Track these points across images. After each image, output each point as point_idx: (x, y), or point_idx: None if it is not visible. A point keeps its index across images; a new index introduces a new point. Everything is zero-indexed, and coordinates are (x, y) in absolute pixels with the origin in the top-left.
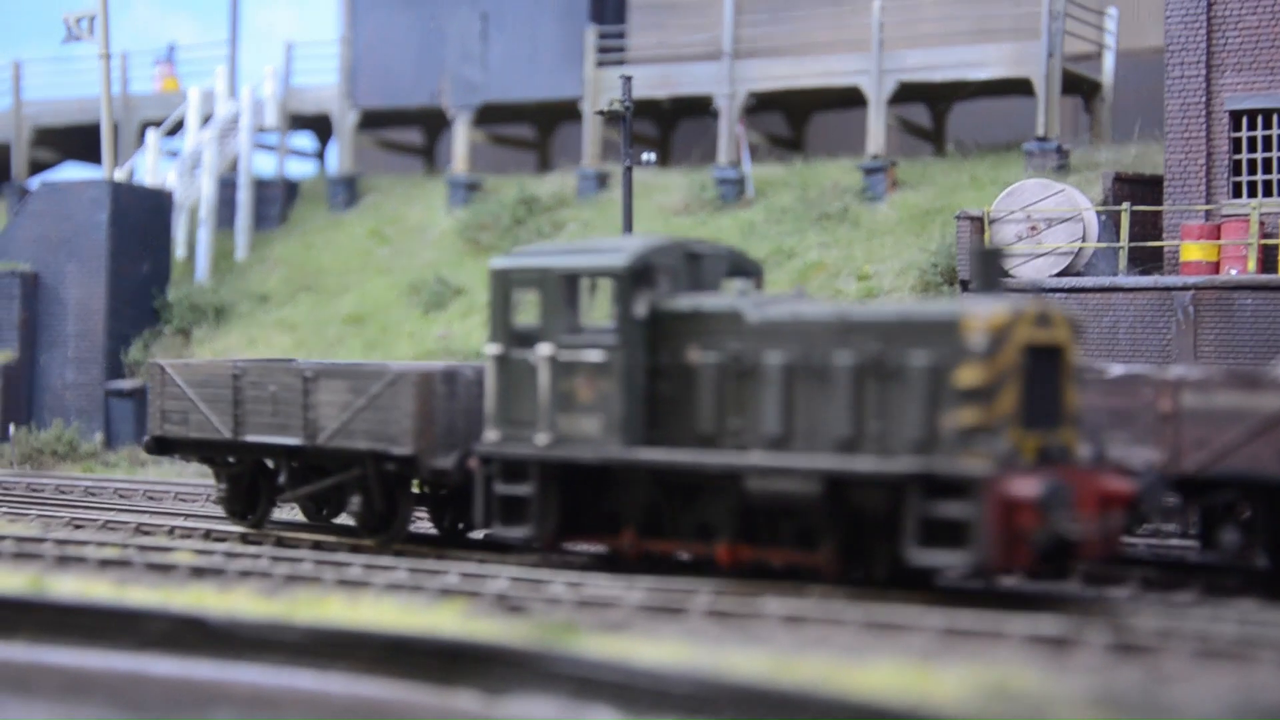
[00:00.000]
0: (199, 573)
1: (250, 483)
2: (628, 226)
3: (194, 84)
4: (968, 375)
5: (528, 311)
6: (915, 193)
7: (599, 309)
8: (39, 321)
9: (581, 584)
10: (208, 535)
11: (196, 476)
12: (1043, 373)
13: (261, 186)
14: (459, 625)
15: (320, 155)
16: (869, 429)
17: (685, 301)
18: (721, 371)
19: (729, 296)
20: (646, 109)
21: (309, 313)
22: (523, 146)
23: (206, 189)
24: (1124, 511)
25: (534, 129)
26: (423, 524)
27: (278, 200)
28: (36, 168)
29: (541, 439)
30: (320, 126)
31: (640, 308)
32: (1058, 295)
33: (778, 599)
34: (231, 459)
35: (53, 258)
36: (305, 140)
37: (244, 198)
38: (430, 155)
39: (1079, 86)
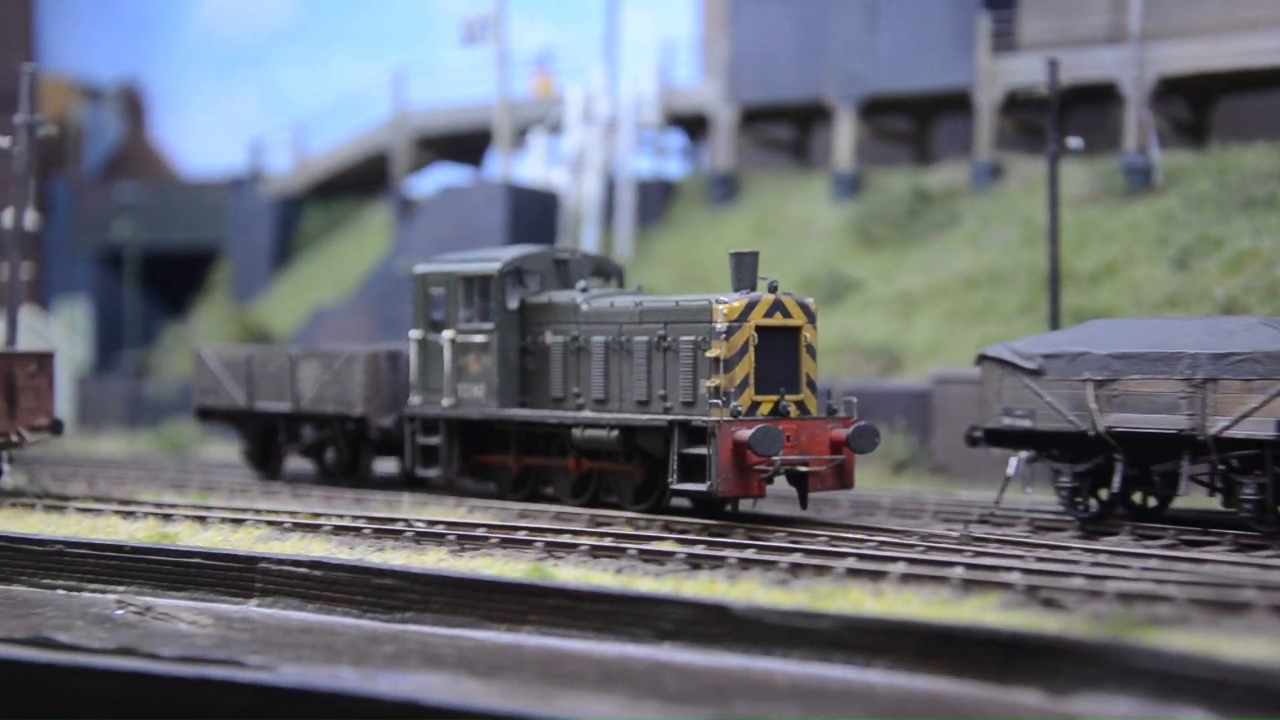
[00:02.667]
0: (695, 562)
1: (264, 441)
2: (1053, 217)
3: (570, 85)
4: (713, 351)
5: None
6: None
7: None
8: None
9: (1105, 576)
10: (667, 526)
11: None
12: (779, 349)
13: (640, 185)
14: (1002, 618)
15: (691, 153)
16: (655, 391)
17: (543, 296)
18: (565, 349)
19: (572, 292)
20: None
21: None
22: (901, 139)
23: (592, 188)
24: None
25: (912, 121)
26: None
27: (656, 198)
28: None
29: (446, 402)
30: (691, 124)
31: (512, 301)
32: None
33: None
34: (248, 423)
35: None
36: (677, 139)
37: (626, 196)
38: (801, 150)
39: None
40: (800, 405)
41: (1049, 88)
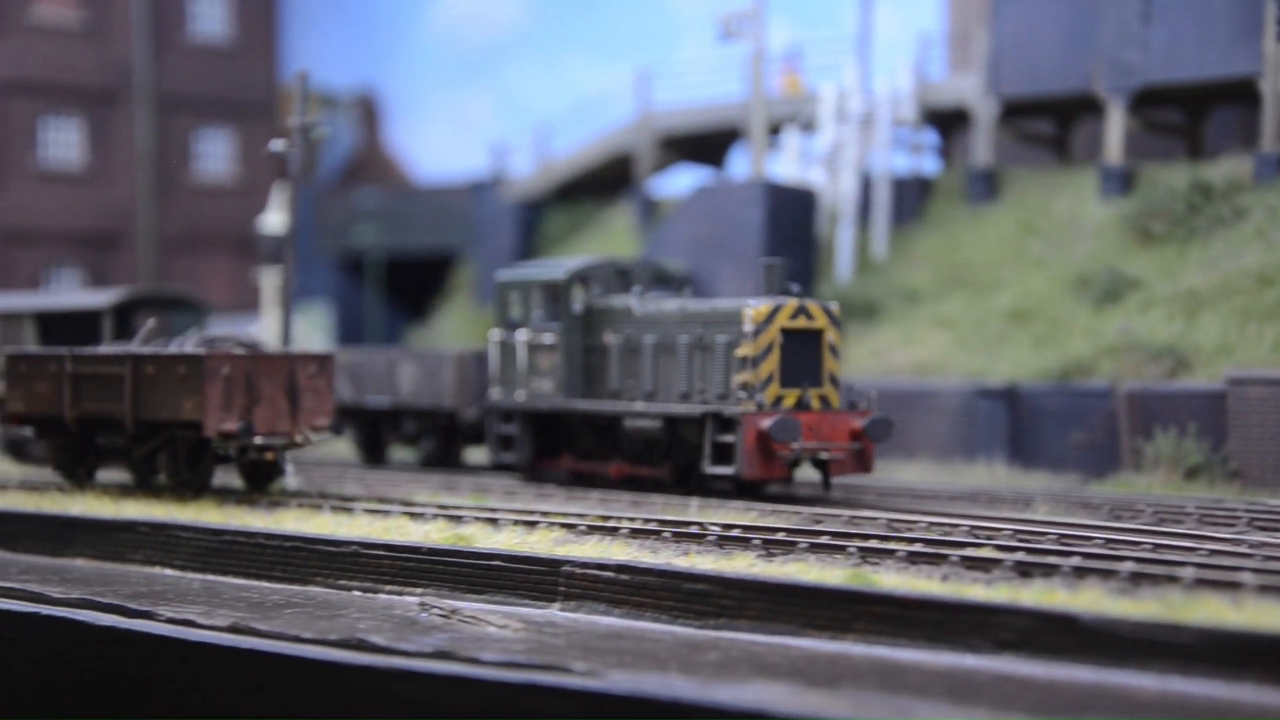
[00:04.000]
0: (1024, 570)
1: (371, 432)
2: None
3: (822, 82)
4: (742, 350)
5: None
6: None
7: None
8: None
9: None
10: (972, 530)
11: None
12: (803, 348)
13: (896, 183)
14: None
15: (945, 150)
16: (695, 386)
17: (604, 301)
18: (622, 348)
19: (629, 297)
20: None
21: (965, 309)
22: (1172, 132)
23: (848, 186)
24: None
25: (1183, 113)
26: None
27: (913, 196)
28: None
29: (520, 395)
30: (945, 120)
31: (576, 305)
32: None
33: None
34: (357, 417)
35: (706, 257)
36: (931, 136)
37: (883, 194)
38: (1063, 145)
39: None
40: (823, 399)
41: None
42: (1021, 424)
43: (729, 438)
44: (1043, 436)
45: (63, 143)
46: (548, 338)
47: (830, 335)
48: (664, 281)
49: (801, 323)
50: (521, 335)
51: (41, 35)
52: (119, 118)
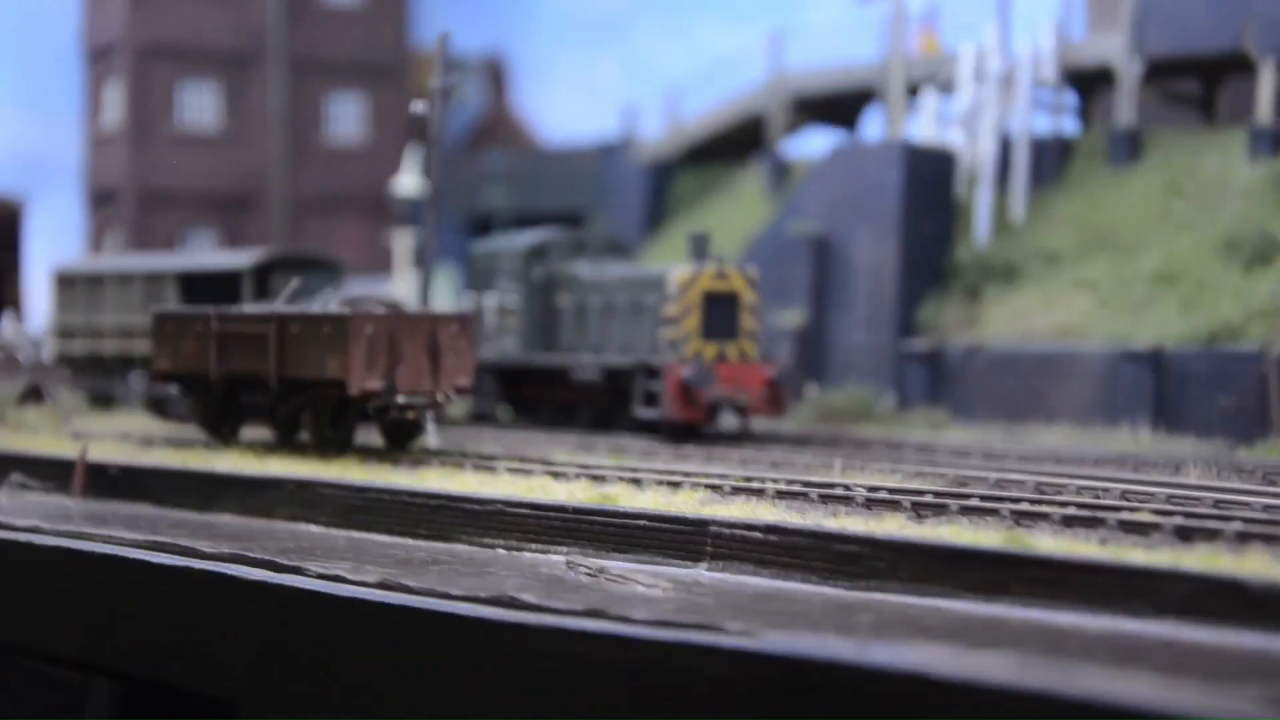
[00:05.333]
0: (1184, 533)
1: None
2: None
3: (961, 42)
4: (667, 309)
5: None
6: None
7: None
8: (828, 283)
9: None
10: (1124, 494)
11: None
12: (721, 308)
13: (1038, 145)
14: None
15: (1085, 111)
16: (630, 341)
17: (559, 269)
18: (573, 310)
19: (580, 265)
20: None
21: (1108, 271)
22: None
23: (987, 148)
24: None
25: None
26: None
27: (1053, 158)
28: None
29: (489, 352)
30: (1087, 80)
31: (536, 273)
32: None
33: None
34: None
35: (842, 221)
36: (1072, 97)
37: (1022, 157)
38: (1209, 106)
39: None
40: (741, 353)
41: None
42: (1167, 389)
43: (653, 385)
44: (1189, 401)
45: (199, 106)
46: (511, 301)
47: (747, 297)
48: (617, 251)
49: (721, 285)
50: (490, 300)
51: (179, 0)
52: (253, 81)
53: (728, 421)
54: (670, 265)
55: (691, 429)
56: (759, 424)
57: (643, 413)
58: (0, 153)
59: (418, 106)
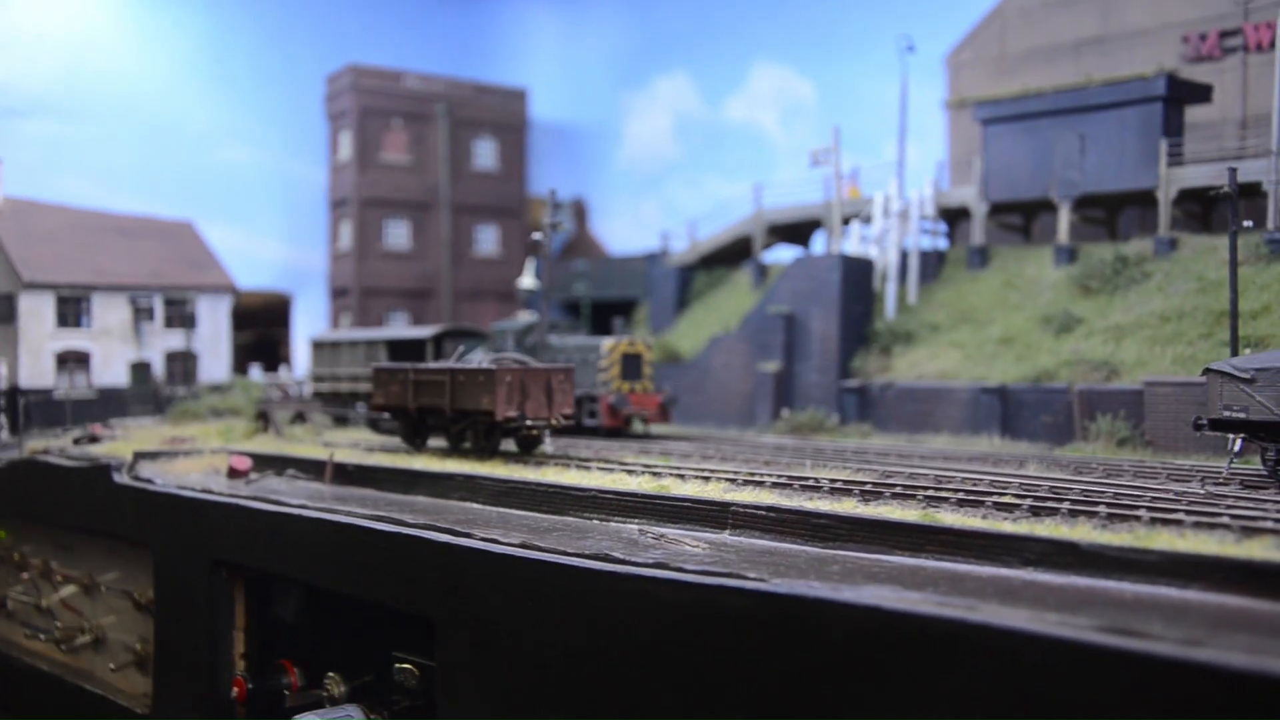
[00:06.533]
0: (1036, 510)
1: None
2: (1232, 271)
3: (875, 191)
4: (601, 363)
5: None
6: None
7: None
8: (794, 344)
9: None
10: (992, 483)
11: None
12: (632, 362)
13: (924, 255)
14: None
15: (950, 235)
16: (581, 381)
17: (538, 339)
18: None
19: (553, 335)
20: (1193, 195)
21: (970, 336)
22: (1099, 223)
23: (892, 258)
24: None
25: (1104, 211)
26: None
27: (934, 264)
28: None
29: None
30: (953, 215)
31: (527, 341)
32: None
33: None
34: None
35: (803, 304)
36: (943, 226)
37: (914, 263)
38: (1027, 231)
39: None
40: (644, 387)
41: (1230, 186)
42: (1009, 411)
43: (595, 407)
44: (1023, 419)
45: (397, 234)
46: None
47: (647, 356)
48: (572, 329)
49: (631, 349)
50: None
51: (386, 169)
52: (430, 218)
53: (638, 426)
54: (603, 338)
55: (617, 431)
56: (657, 428)
57: (589, 421)
58: (279, 266)
59: (536, 235)
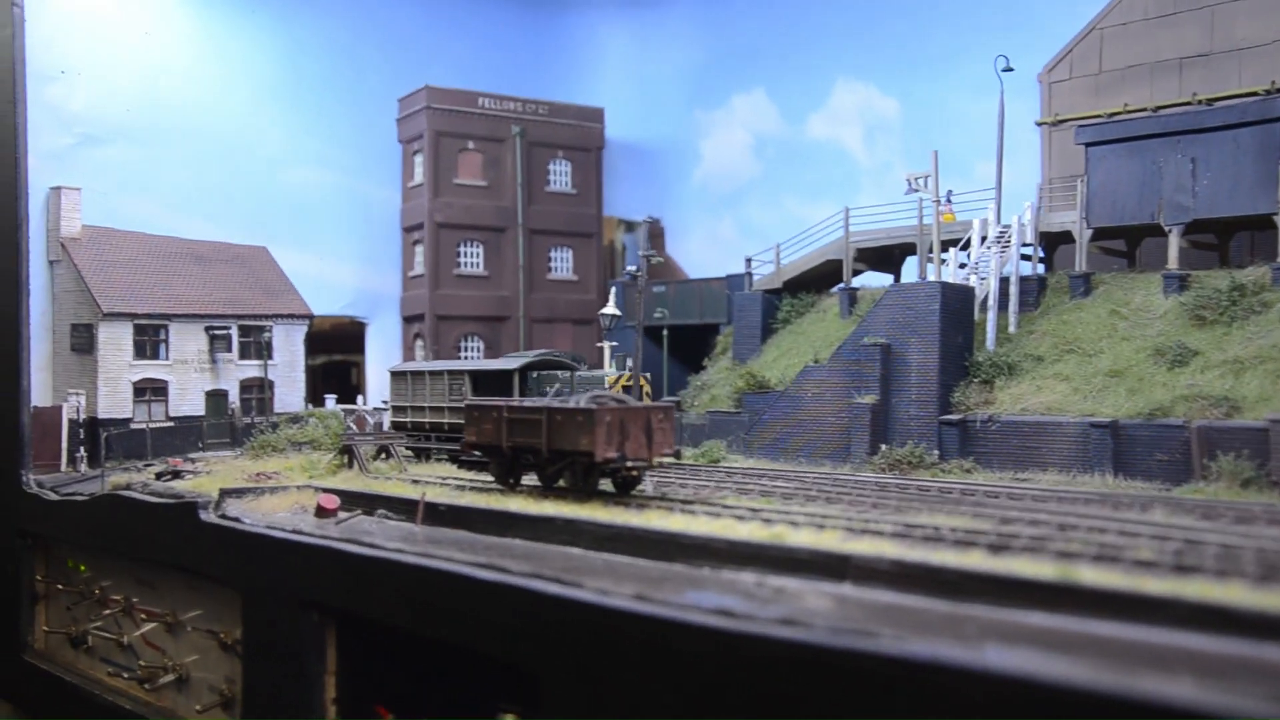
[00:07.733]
0: (1180, 569)
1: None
2: None
3: (974, 216)
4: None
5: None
6: None
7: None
8: (891, 376)
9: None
10: (1120, 533)
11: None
12: (630, 391)
13: (1024, 282)
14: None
15: (1047, 260)
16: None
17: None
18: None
19: (578, 369)
20: None
21: (1076, 369)
22: (1209, 249)
23: (991, 286)
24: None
25: (1216, 236)
26: None
27: (1034, 292)
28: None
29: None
30: (1054, 240)
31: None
32: None
33: None
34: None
35: (899, 334)
36: (1044, 251)
37: (1014, 291)
38: (1131, 257)
39: None
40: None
41: None
42: (1121, 448)
43: None
44: (1136, 457)
45: (472, 259)
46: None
47: (644, 384)
48: (578, 362)
49: (631, 380)
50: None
51: (461, 192)
52: (506, 241)
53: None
54: (606, 371)
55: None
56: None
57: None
58: (355, 292)
59: (631, 268)
